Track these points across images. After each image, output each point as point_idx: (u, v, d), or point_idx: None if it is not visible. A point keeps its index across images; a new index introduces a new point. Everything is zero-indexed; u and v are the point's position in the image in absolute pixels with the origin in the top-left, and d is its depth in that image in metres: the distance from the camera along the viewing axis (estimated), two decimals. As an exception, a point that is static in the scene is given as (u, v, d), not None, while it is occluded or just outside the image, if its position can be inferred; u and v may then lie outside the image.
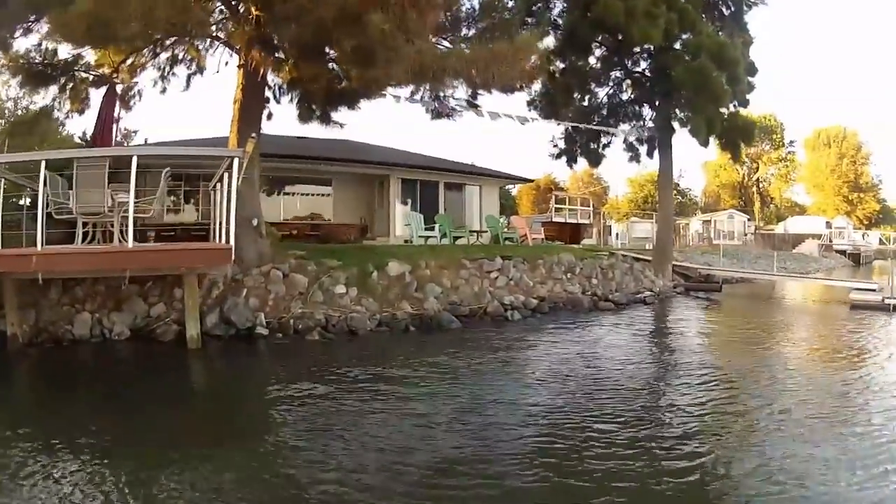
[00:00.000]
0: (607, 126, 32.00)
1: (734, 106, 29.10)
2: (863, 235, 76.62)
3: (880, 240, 74.93)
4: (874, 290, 25.15)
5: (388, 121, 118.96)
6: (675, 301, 26.61)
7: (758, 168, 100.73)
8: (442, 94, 22.93)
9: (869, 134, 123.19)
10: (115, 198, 13.71)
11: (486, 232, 31.49)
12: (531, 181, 42.11)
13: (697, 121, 26.79)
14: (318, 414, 9.48)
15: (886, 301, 23.44)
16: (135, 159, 12.96)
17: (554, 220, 41.37)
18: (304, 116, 20.41)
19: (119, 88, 20.89)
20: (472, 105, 24.61)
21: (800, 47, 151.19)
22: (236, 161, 13.70)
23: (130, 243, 13.24)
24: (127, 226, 13.38)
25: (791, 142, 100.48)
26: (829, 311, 25.23)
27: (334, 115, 20.55)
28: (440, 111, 24.25)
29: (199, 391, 12.08)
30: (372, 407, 9.72)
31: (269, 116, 21.11)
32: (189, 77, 21.91)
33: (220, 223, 15.16)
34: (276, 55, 17.15)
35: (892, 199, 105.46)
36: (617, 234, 51.39)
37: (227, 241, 14.47)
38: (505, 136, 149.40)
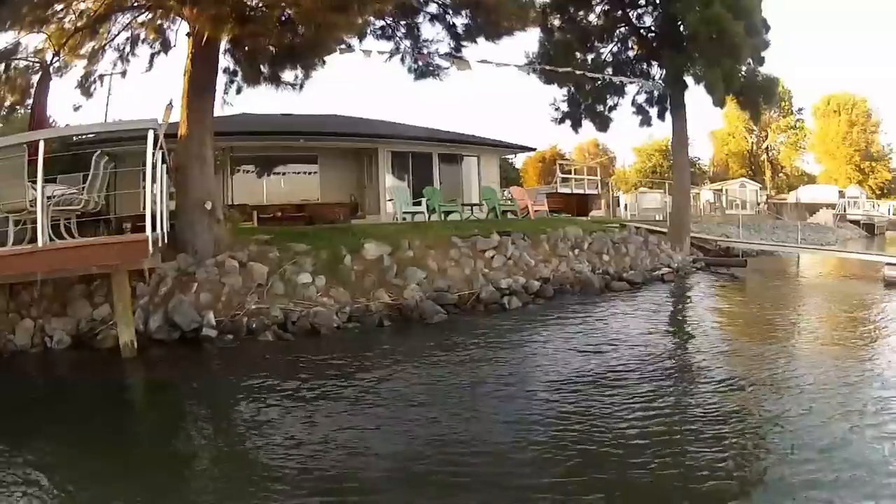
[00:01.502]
0: (615, 88, 29.54)
1: (750, 62, 26.34)
2: (874, 205, 75.04)
3: (890, 210, 73.71)
4: None
5: (378, 97, 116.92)
6: (696, 279, 23.94)
7: (767, 136, 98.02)
8: (423, 49, 21.59)
9: (879, 101, 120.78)
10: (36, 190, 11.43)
11: (482, 205, 28.85)
12: (533, 150, 39.96)
13: (713, 75, 24.10)
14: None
15: None
16: (42, 144, 10.97)
17: (559, 191, 39.33)
18: (251, 78, 18.11)
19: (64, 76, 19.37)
20: (456, 58, 22.33)
21: (803, 12, 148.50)
22: (151, 133, 11.28)
23: (40, 241, 11.06)
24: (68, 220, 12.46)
25: (800, 109, 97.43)
26: (864, 289, 22.27)
27: (286, 76, 18.33)
28: (423, 68, 22.54)
29: (85, 419, 9.12)
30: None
31: (239, 90, 19.45)
32: (152, 56, 19.85)
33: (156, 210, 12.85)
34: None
35: None
36: (626, 206, 48.93)
37: (157, 229, 12.47)
38: (507, 107, 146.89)
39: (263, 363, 11.96)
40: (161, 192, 13.04)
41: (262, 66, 17.57)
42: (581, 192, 40.08)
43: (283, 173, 32.97)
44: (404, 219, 24.88)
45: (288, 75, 18.26)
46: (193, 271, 14.41)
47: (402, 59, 22.26)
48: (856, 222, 63.94)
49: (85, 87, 19.90)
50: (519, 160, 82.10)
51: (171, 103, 15.13)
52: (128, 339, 11.95)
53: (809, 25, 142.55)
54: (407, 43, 21.94)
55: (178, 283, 14.07)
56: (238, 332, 13.35)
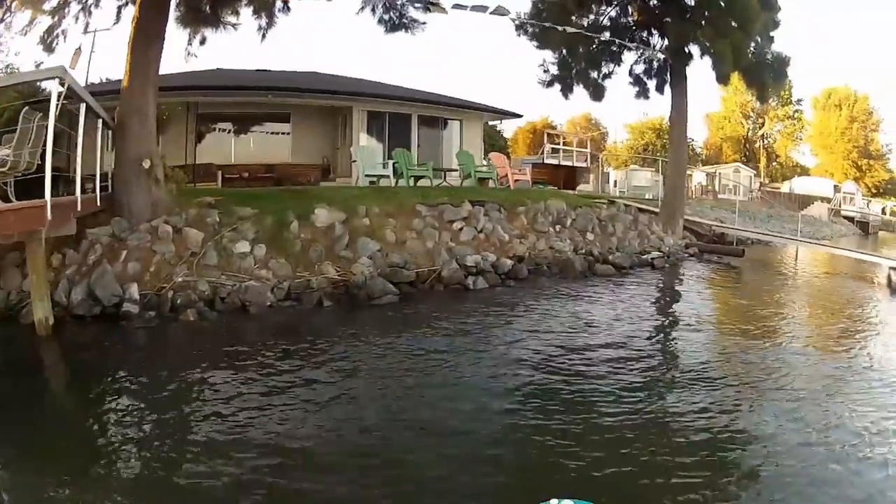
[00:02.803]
0: (611, 54, 27.41)
1: (758, 39, 24.52)
2: (867, 204, 73.51)
3: (882, 210, 72.60)
4: None
5: (368, 60, 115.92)
6: (689, 266, 21.94)
7: (764, 123, 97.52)
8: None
9: (879, 99, 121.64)
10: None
11: (457, 171, 26.71)
12: (520, 116, 38.15)
13: (722, 47, 22.20)
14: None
15: None
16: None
17: (547, 161, 38.47)
18: (189, 19, 17.15)
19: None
20: (430, 3, 20.43)
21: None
22: (55, 85, 9.94)
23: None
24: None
25: (799, 100, 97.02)
26: (870, 294, 20.35)
27: (229, 17, 17.80)
28: (394, 18, 20.58)
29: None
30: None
31: (203, 41, 18.54)
32: (119, 9, 18.16)
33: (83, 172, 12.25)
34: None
35: None
36: (615, 182, 47.31)
37: (73, 192, 11.67)
38: (501, 76, 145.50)
39: (166, 350, 10.48)
40: (99, 150, 12.61)
41: (203, 5, 16.67)
42: (569, 164, 38.90)
43: (254, 132, 31.43)
44: (373, 182, 23.22)
45: (241, 18, 17.82)
46: (126, 238, 12.98)
47: (373, 10, 20.42)
48: (850, 219, 63.48)
49: (47, 43, 18.55)
50: (509, 130, 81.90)
51: (79, 49, 14.59)
52: (42, 316, 10.54)
53: (810, 17, 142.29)
54: None
55: (109, 251, 12.66)
56: (161, 308, 11.83)
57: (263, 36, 18.64)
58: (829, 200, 63.63)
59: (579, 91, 28.31)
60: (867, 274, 23.95)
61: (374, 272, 13.91)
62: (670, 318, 13.72)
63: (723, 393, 8.46)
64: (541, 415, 7.34)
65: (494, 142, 66.56)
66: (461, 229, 16.78)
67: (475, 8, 20.33)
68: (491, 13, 21.14)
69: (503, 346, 10.24)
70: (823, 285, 22.08)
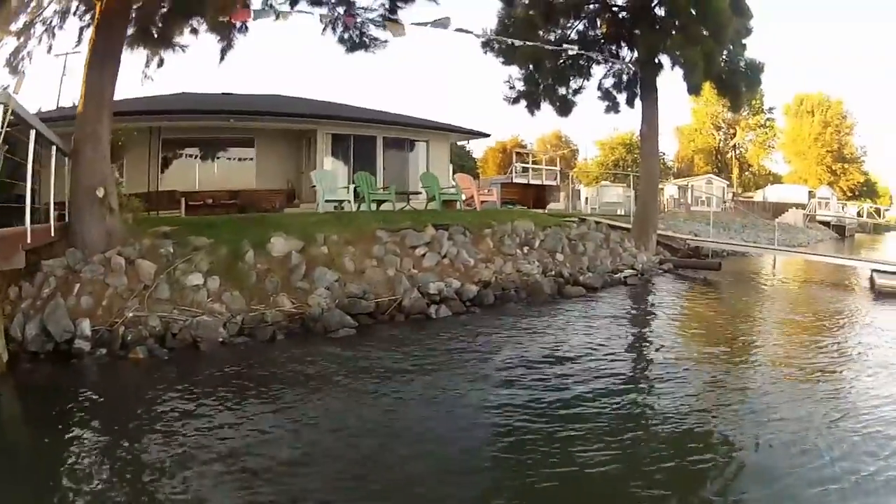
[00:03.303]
0: (579, 69, 27.19)
1: (731, 47, 24.39)
2: (843, 207, 75.21)
3: (858, 212, 74.10)
4: None
5: (328, 83, 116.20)
6: (663, 283, 21.49)
7: (735, 133, 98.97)
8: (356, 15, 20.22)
9: (853, 103, 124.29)
10: None
11: (421, 194, 26.28)
12: (487, 135, 37.98)
13: (693, 55, 21.90)
14: None
15: None
16: None
17: (516, 180, 37.97)
18: (137, 40, 16.36)
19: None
20: (388, 20, 20.34)
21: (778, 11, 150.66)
22: None
23: None
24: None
25: (771, 108, 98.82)
26: (855, 299, 20.35)
27: (182, 38, 17.25)
28: (354, 38, 20.72)
29: None
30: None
31: (161, 63, 18.05)
32: (81, 31, 17.89)
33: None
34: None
35: (876, 172, 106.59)
36: (586, 199, 47.38)
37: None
38: (471, 98, 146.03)
39: (110, 394, 9.65)
40: (53, 178, 12.38)
41: (153, 26, 16.18)
42: (539, 183, 38.47)
43: (218, 157, 30.71)
44: (337, 207, 22.36)
45: (199, 39, 17.79)
46: (80, 269, 12.38)
47: (334, 29, 20.49)
48: (826, 223, 64.16)
49: (13, 65, 18.22)
50: (478, 150, 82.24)
51: (23, 73, 14.91)
52: (-6, 353, 10.12)
53: (782, 24, 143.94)
54: (341, 10, 20.28)
55: (63, 284, 12.12)
56: (112, 345, 11.15)
57: (222, 57, 18.59)
58: (803, 207, 64.20)
59: (547, 107, 28.08)
60: (848, 278, 23.82)
61: (331, 304, 13.25)
62: (644, 341, 13.21)
63: (703, 421, 8.16)
64: (514, 473, 6.78)
65: (464, 162, 66.43)
66: (424, 255, 16.15)
67: (435, 24, 19.98)
68: (456, 30, 20.84)
69: (466, 383, 9.61)
70: (805, 294, 21.73)
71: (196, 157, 29.74)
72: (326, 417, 8.28)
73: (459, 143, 43.20)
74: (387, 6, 19.88)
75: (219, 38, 18.20)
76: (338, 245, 15.37)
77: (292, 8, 19.50)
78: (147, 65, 17.85)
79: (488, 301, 15.45)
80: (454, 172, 34.12)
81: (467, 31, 21.61)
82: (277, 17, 18.61)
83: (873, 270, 21.78)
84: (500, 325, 13.63)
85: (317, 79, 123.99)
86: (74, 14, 17.79)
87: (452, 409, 8.59)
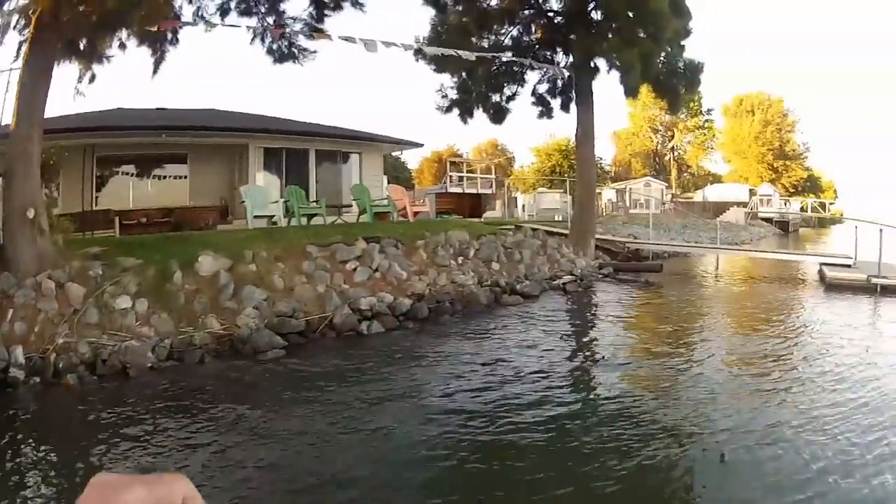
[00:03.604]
0: (512, 75, 27.22)
1: (669, 49, 24.57)
2: (785, 203, 78.01)
3: (801, 208, 76.52)
4: (850, 266, 22.05)
5: (265, 97, 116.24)
6: (603, 288, 21.49)
7: (673, 136, 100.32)
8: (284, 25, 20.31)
9: (796, 101, 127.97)
10: None
11: (352, 206, 26.09)
12: (420, 145, 37.69)
13: (630, 57, 21.95)
14: None
15: (873, 280, 20.13)
16: None
17: (450, 190, 38.29)
18: (66, 52, 15.74)
19: None
20: (315, 29, 20.36)
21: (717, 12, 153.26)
22: None
23: None
24: None
25: (709, 110, 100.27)
26: (806, 294, 20.98)
27: (109, 51, 16.63)
28: (282, 48, 20.77)
29: None
30: None
31: (93, 79, 17.13)
32: (20, 45, 16.86)
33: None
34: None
35: (820, 167, 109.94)
36: (523, 206, 46.72)
37: None
38: (405, 105, 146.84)
39: (39, 425, 9.49)
40: None
41: (80, 38, 15.69)
42: (474, 191, 38.97)
43: (152, 175, 30.08)
44: (274, 223, 22.37)
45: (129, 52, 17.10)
46: (14, 294, 12.14)
47: (262, 40, 20.52)
48: (769, 220, 65.48)
49: None
50: (414, 160, 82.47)
51: None
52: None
53: (721, 25, 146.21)
54: (270, 20, 20.38)
55: None
56: (45, 373, 10.89)
57: (156, 70, 18.37)
58: (744, 205, 65.34)
59: (480, 115, 28.10)
60: (794, 273, 24.32)
61: (259, 324, 12.98)
62: (584, 348, 13.25)
63: (643, 429, 8.13)
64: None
65: (399, 173, 66.36)
66: (355, 269, 15.96)
67: (365, 41, 19.94)
68: (385, 44, 20.80)
69: (399, 404, 9.49)
70: (753, 291, 21.98)
71: (131, 175, 29.26)
72: (250, 446, 8.05)
73: (394, 154, 43.16)
74: (314, 14, 19.88)
75: (150, 50, 18.04)
76: (267, 262, 15.11)
77: (223, 19, 19.51)
78: (80, 80, 17.30)
79: (422, 314, 15.27)
80: (389, 184, 34.09)
81: (394, 44, 21.56)
82: (207, 28, 18.67)
83: (822, 264, 22.14)
84: (434, 339, 13.55)
85: (254, 93, 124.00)
86: (14, 28, 16.94)
87: (387, 432, 8.41)
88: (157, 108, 29.93)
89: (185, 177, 29.21)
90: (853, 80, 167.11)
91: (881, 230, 20.94)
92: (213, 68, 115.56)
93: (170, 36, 18.25)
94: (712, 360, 11.77)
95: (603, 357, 12.22)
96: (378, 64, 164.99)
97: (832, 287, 20.49)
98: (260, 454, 7.63)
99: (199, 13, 19.14)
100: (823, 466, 6.82)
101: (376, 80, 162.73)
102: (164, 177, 29.78)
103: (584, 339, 14.24)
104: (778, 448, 7.34)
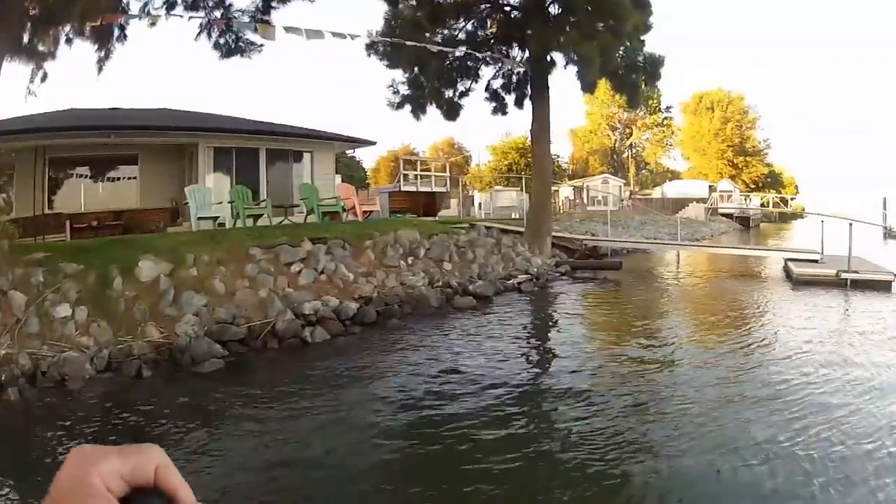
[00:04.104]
0: (466, 70, 27.21)
1: (628, 44, 24.72)
2: (745, 199, 78.68)
3: (762, 203, 77.30)
4: (817, 261, 21.97)
5: (217, 96, 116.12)
6: (561, 286, 21.16)
7: (631, 133, 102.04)
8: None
9: (757, 97, 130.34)
10: None
11: (299, 206, 25.73)
12: (373, 143, 37.12)
13: (588, 49, 21.60)
14: None
15: (842, 275, 20.14)
16: None
17: (404, 189, 37.93)
18: (9, 50, 15.57)
19: None
20: (260, 22, 19.90)
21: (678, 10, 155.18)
22: None
23: None
24: None
25: (668, 107, 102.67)
26: (774, 291, 20.53)
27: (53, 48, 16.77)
28: (229, 43, 21.07)
29: None
30: None
31: (45, 78, 17.41)
32: None
33: None
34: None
35: (782, 163, 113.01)
36: (480, 204, 46.69)
37: None
38: (361, 105, 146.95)
39: None
40: None
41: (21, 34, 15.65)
42: (428, 190, 38.82)
43: (105, 176, 29.67)
44: (222, 225, 22.07)
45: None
46: None
47: (209, 34, 20.57)
48: (729, 216, 66.82)
49: None
50: (370, 159, 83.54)
51: None
52: None
53: (680, 23, 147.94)
54: (218, 14, 20.39)
55: None
56: None
57: (100, 68, 18.38)
58: (704, 201, 66.31)
59: (434, 112, 27.96)
60: (758, 269, 24.32)
61: (199, 331, 12.42)
62: (537, 350, 12.96)
63: (608, 441, 7.85)
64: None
65: (354, 172, 66.12)
66: (300, 272, 15.50)
67: (310, 31, 19.54)
68: (333, 35, 20.42)
69: (346, 418, 9.02)
70: (718, 289, 21.78)
71: (83, 177, 28.84)
72: (183, 474, 7.47)
73: (349, 154, 42.78)
74: (260, 6, 19.88)
75: (96, 46, 17.96)
76: (208, 266, 14.61)
77: (168, 13, 19.19)
78: (31, 80, 17.28)
79: (370, 318, 14.74)
80: (343, 183, 33.83)
81: (341, 35, 21.19)
82: (151, 23, 18.46)
83: (788, 260, 22.03)
84: (380, 345, 13.11)
85: (208, 92, 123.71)
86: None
87: (334, 455, 7.93)
88: (110, 108, 29.48)
89: (136, 178, 28.62)
90: (815, 79, 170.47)
91: (850, 224, 20.87)
92: (171, 67, 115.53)
93: (117, 32, 18.06)
94: (677, 362, 11.49)
95: (559, 361, 11.88)
96: (337, 63, 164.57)
97: (800, 283, 20.38)
98: (190, 481, 6.90)
99: (146, 8, 18.91)
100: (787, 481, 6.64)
101: (335, 80, 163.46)
102: (116, 178, 29.34)
103: (539, 342, 13.90)
104: (755, 458, 7.12)
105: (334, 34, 20.16)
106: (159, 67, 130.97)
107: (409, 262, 18.22)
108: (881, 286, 19.50)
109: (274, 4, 19.95)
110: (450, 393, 9.65)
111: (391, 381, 10.58)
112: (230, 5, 20.39)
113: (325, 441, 8.19)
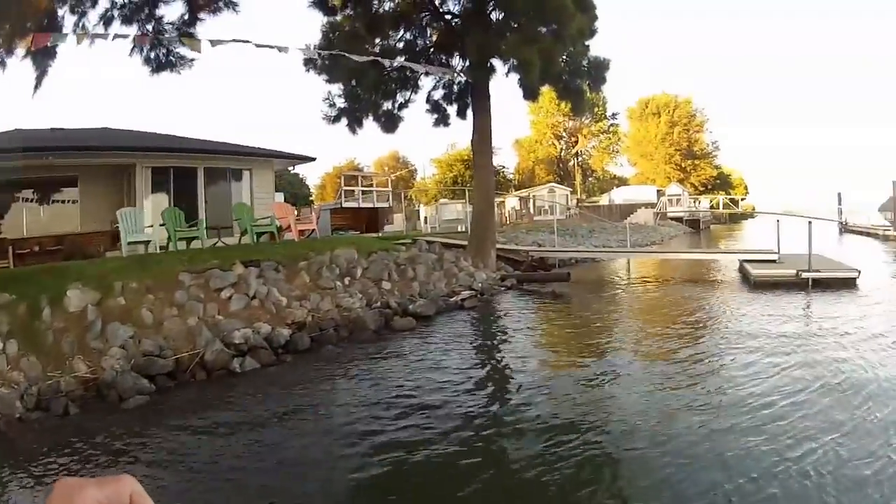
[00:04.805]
0: (405, 81, 26.97)
1: (572, 49, 24.17)
2: (694, 202, 79.90)
3: (711, 205, 78.49)
4: (775, 262, 21.91)
5: (164, 115, 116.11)
6: (507, 301, 20.82)
7: (577, 141, 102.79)
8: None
9: (704, 99, 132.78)
10: None
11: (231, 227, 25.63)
12: (313, 159, 36.87)
13: (529, 54, 21.33)
14: None
15: (803, 275, 20.24)
16: None
17: (345, 205, 37.63)
18: None
19: None
20: (185, 35, 19.88)
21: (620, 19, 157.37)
22: None
23: None
24: None
25: (614, 114, 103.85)
26: (732, 295, 20.36)
27: None
28: (159, 57, 20.83)
29: None
30: None
31: None
32: None
33: None
34: None
35: (731, 164, 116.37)
36: (426, 218, 47.64)
37: None
38: (309, 124, 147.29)
39: None
40: None
41: None
42: (370, 205, 38.43)
43: (46, 199, 29.28)
44: (164, 248, 21.71)
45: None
46: None
47: (141, 49, 20.34)
48: (678, 219, 68.15)
49: None
50: (315, 176, 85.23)
51: None
52: None
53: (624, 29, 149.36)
54: (150, 27, 20.31)
55: None
56: None
57: (37, 86, 18.17)
58: (653, 206, 67.84)
59: (371, 125, 27.72)
60: (713, 272, 24.50)
61: (125, 365, 11.80)
62: (480, 374, 12.33)
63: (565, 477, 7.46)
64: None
65: (297, 190, 65.79)
66: (230, 298, 14.94)
67: (238, 41, 19.31)
68: (257, 46, 20.17)
69: (276, 463, 8.33)
70: (673, 296, 21.46)
71: (26, 201, 28.46)
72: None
73: (293, 171, 42.57)
74: (187, 19, 19.73)
75: (33, 65, 17.79)
76: (136, 294, 14.00)
77: (106, 28, 19.09)
78: None
79: (303, 345, 14.18)
80: (286, 201, 33.58)
81: (268, 46, 20.89)
82: (79, 40, 17.67)
83: (743, 261, 22.02)
84: (314, 375, 12.52)
85: (149, 110, 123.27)
86: None
87: (261, 488, 7.55)
88: (52, 129, 28.92)
89: (76, 201, 27.98)
90: (761, 76, 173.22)
91: (810, 222, 20.86)
92: (115, 84, 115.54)
93: (48, 49, 17.71)
94: (628, 376, 11.26)
95: (502, 382, 11.67)
96: (284, 79, 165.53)
97: (759, 285, 20.33)
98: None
99: (80, 22, 18.81)
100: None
101: (283, 98, 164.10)
102: (59, 201, 28.88)
103: (481, 363, 13.44)
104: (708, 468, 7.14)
105: (259, 45, 19.92)
106: (104, 85, 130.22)
107: (346, 282, 17.79)
108: (845, 284, 19.56)
109: (201, 16, 19.65)
110: (383, 428, 9.11)
111: (320, 413, 10.21)
112: (161, 18, 20.24)
113: (250, 479, 7.74)
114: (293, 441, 8.94)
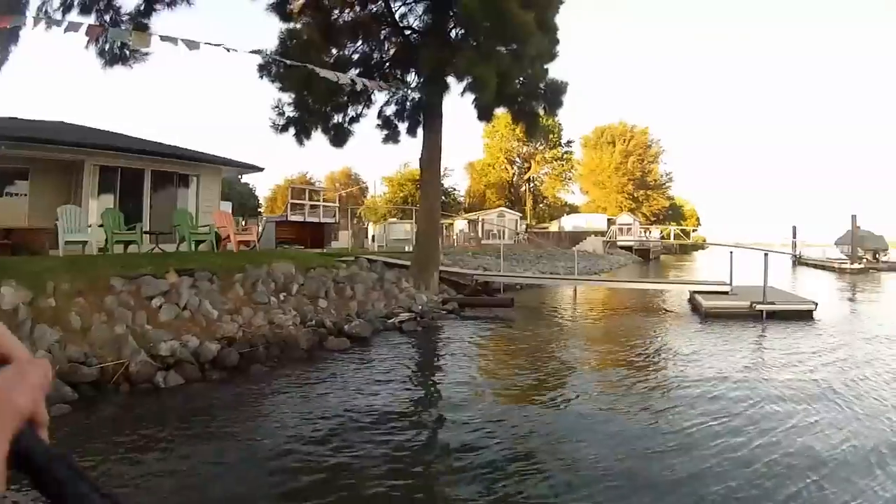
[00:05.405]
0: (357, 94, 26.38)
1: (529, 71, 24.20)
2: (645, 231, 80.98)
3: (662, 236, 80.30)
4: (727, 293, 22.03)
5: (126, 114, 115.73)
6: (447, 325, 20.59)
7: (530, 167, 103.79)
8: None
9: (658, 131, 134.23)
10: None
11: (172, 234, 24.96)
12: (261, 169, 36.51)
13: (484, 71, 21.12)
14: None
15: (757, 307, 20.49)
16: None
17: (291, 219, 37.35)
18: None
19: None
20: (137, 29, 19.26)
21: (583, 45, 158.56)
22: None
23: None
24: None
25: (569, 142, 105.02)
26: (682, 326, 20.19)
27: None
28: (112, 50, 20.71)
29: None
30: None
31: None
32: None
33: None
34: None
35: (684, 196, 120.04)
36: (373, 237, 47.64)
37: None
38: (265, 133, 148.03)
39: None
40: None
41: None
42: (316, 220, 38.41)
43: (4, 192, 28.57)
44: (103, 249, 21.67)
45: None
46: None
47: (96, 42, 20.07)
48: (629, 248, 69.33)
49: None
50: (265, 187, 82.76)
51: None
52: None
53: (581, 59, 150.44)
54: (108, 17, 20.13)
55: None
56: None
57: None
58: (603, 234, 68.93)
59: (321, 137, 27.46)
60: (662, 303, 24.49)
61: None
62: (412, 401, 12.01)
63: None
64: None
65: (246, 200, 65.48)
66: (161, 307, 14.63)
67: (189, 42, 19.03)
68: (206, 44, 19.99)
69: (176, 478, 8.08)
70: (621, 327, 21.24)
71: None
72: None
73: (244, 181, 42.19)
74: (141, 10, 19.63)
75: None
76: (67, 296, 13.80)
77: (64, 16, 18.81)
78: None
79: (231, 362, 13.65)
80: (234, 210, 33.30)
81: (219, 45, 20.73)
82: (35, 24, 17.29)
83: (694, 293, 22.01)
84: (238, 396, 12.03)
85: (106, 106, 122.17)
86: None
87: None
88: (9, 118, 28.62)
89: (26, 195, 27.59)
90: (718, 109, 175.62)
91: (766, 255, 21.00)
92: (76, 77, 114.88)
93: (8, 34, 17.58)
94: (566, 408, 11.21)
95: (433, 410, 11.44)
96: (244, 86, 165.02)
97: (710, 316, 20.33)
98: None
99: (44, 9, 18.66)
100: None
101: (243, 105, 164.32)
102: (10, 194, 28.17)
103: (414, 390, 13.08)
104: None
105: (210, 44, 19.74)
106: (65, 77, 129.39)
107: (282, 298, 17.58)
108: (801, 316, 19.77)
109: (157, 7, 19.54)
110: (308, 451, 8.87)
111: (241, 438, 9.77)
112: (119, 8, 20.15)
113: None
114: (209, 468, 8.49)
